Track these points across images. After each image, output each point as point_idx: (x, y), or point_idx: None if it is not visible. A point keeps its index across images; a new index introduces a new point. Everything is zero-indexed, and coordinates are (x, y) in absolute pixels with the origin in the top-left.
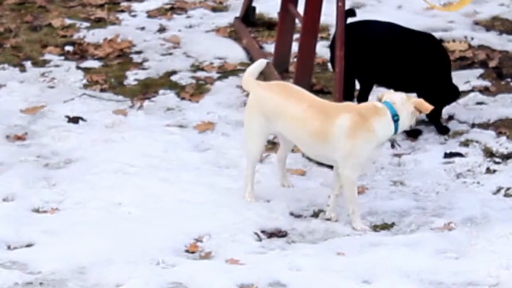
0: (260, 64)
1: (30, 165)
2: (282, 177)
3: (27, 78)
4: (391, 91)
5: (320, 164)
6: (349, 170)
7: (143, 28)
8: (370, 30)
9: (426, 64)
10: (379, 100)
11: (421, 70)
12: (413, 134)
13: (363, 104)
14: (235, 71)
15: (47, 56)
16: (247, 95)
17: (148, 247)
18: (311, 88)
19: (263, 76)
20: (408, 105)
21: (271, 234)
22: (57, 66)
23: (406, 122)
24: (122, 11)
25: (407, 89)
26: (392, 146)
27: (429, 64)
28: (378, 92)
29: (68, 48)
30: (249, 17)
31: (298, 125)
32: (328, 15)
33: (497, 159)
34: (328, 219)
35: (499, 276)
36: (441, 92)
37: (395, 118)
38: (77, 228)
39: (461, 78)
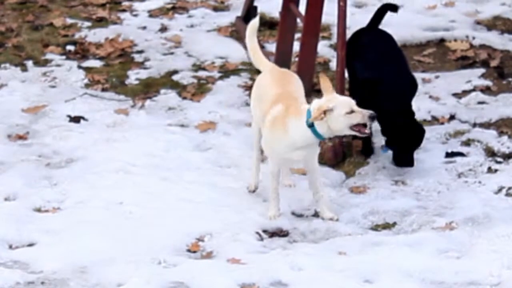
0: (253, 25)
1: (32, 164)
2: (284, 176)
3: (28, 78)
4: (324, 97)
5: (320, 163)
6: (270, 161)
7: (144, 28)
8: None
9: None
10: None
11: None
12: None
13: (295, 103)
14: (237, 71)
15: (48, 56)
16: (249, 94)
17: (150, 247)
18: (312, 88)
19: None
20: (318, 111)
21: (273, 234)
22: (58, 65)
23: (324, 128)
24: (124, 10)
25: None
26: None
27: None
28: None
29: (70, 47)
30: (250, 16)
31: (261, 106)
32: (330, 15)
33: (499, 159)
34: (330, 219)
35: (501, 276)
36: None
37: (308, 123)
38: (78, 227)
39: (462, 78)
